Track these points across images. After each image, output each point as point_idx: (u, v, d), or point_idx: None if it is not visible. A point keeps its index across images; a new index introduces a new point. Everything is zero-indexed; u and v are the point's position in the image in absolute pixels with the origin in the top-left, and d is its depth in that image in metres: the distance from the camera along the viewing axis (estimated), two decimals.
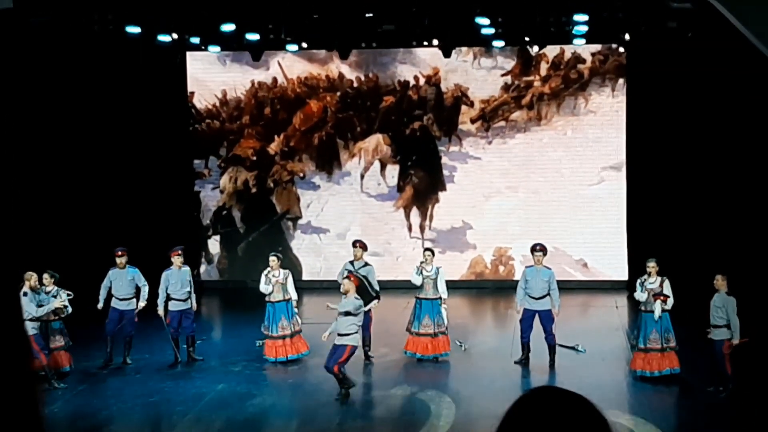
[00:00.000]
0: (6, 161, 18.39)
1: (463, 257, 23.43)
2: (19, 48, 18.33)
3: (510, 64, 23.21)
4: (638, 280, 16.40)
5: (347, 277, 16.15)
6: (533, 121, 23.20)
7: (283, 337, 17.63)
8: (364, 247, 17.96)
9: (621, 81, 22.97)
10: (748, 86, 19.87)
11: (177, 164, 23.53)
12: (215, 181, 23.96)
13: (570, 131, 23.16)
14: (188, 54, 23.55)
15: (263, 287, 17.64)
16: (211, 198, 24.03)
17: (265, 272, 17.74)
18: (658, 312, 15.90)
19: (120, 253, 17.57)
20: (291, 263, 23.21)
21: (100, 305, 17.43)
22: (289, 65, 23.54)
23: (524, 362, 17.12)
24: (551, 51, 22.78)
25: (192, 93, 23.81)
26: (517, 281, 22.90)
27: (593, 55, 22.96)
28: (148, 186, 22.82)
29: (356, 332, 15.80)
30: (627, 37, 19.53)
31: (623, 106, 23.01)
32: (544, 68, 23.14)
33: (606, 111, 23.03)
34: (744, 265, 18.36)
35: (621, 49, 22.70)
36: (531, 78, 23.19)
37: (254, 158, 23.79)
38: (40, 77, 19.80)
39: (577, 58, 23.07)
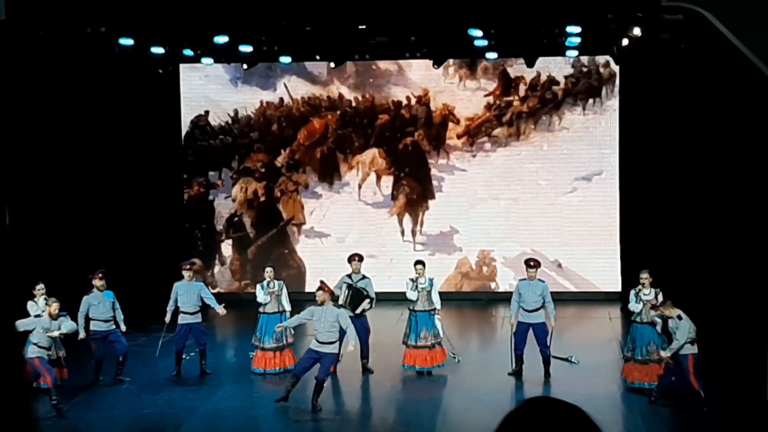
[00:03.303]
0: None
1: (451, 259, 20.73)
2: (12, 60, 14.43)
3: (492, 85, 20.63)
4: (632, 291, 12.65)
5: (320, 288, 12.81)
6: (513, 136, 20.62)
7: (275, 350, 13.82)
8: (361, 260, 14.24)
9: (591, 101, 20.34)
10: (741, 97, 16.18)
11: (169, 175, 20.59)
12: (228, 191, 21.16)
13: (546, 146, 20.54)
14: (204, 75, 20.62)
15: (262, 297, 13.94)
16: (224, 206, 21.21)
17: (264, 283, 14.02)
18: (659, 325, 12.14)
19: (100, 276, 13.78)
20: (295, 265, 20.86)
21: (82, 335, 13.59)
22: (294, 86, 20.88)
23: (518, 374, 13.38)
24: (529, 74, 20.27)
25: (207, 112, 21.02)
26: (500, 282, 20.15)
27: (566, 77, 20.40)
28: (141, 198, 19.82)
29: (338, 340, 12.75)
30: (624, 41, 15.66)
31: (593, 122, 20.26)
32: (522, 89, 20.59)
33: (578, 128, 20.45)
34: (737, 274, 14.53)
35: (610, 62, 19.79)
36: (511, 98, 20.60)
37: (263, 170, 21.09)
38: (34, 90, 15.93)
39: (552, 81, 20.49)
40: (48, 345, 12.55)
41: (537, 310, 13.76)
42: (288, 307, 14.36)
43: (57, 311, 12.65)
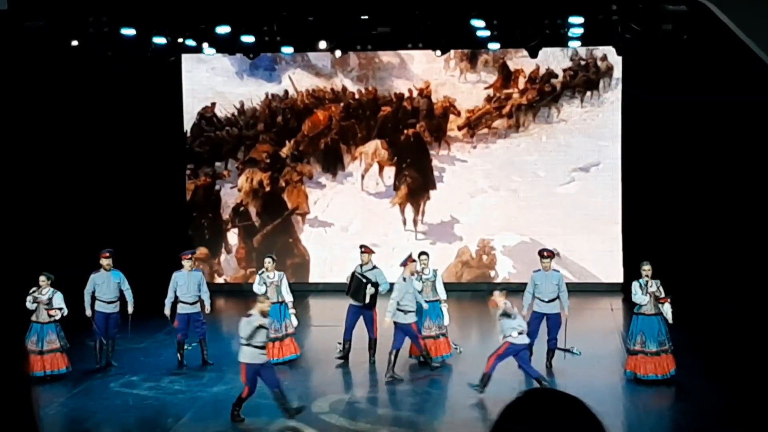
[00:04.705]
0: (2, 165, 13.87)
1: (451, 248, 19.98)
2: (14, 50, 13.68)
3: (492, 78, 19.86)
4: (636, 283, 11.90)
5: (409, 261, 13.27)
6: (512, 128, 19.86)
7: (274, 340, 13.12)
8: (370, 251, 13.63)
9: (589, 93, 19.59)
10: (744, 88, 15.41)
11: (173, 165, 19.78)
12: (234, 181, 20.41)
13: (544, 137, 19.80)
14: (211, 68, 19.91)
15: (257, 288, 13.29)
16: (230, 196, 20.44)
17: (260, 273, 13.34)
18: (670, 315, 11.47)
19: (107, 254, 13.07)
20: (300, 253, 20.14)
21: (88, 312, 12.91)
22: (298, 79, 20.14)
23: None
24: (528, 67, 19.51)
25: (214, 104, 20.24)
26: (499, 271, 19.52)
27: (564, 70, 19.64)
28: (145, 188, 18.97)
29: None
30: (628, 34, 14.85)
31: (591, 115, 19.51)
32: (521, 82, 19.82)
33: (575, 120, 19.71)
34: (738, 265, 13.81)
35: (608, 55, 19.04)
36: (510, 91, 19.84)
37: (268, 161, 20.32)
38: (35, 80, 15.18)
39: (551, 74, 19.73)
40: (263, 344, 11.14)
41: (553, 300, 13.01)
42: (289, 298, 13.64)
43: (269, 307, 11.47)
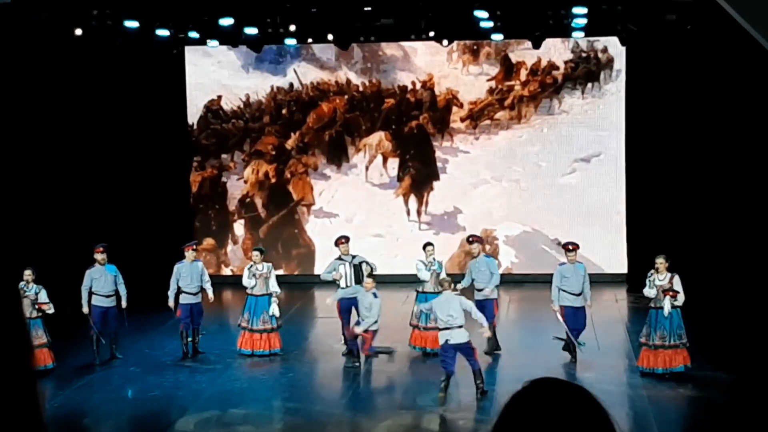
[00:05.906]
0: (3, 158, 13.48)
1: (455, 238, 19.59)
2: (17, 43, 13.29)
3: (494, 70, 19.50)
4: (647, 276, 11.48)
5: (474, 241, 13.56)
6: (514, 120, 19.50)
7: (261, 332, 12.76)
8: (348, 240, 13.33)
9: (590, 85, 19.21)
10: (748, 79, 14.91)
11: (175, 157, 19.32)
12: (240, 173, 20.08)
13: (546, 129, 19.43)
14: (217, 61, 19.48)
15: (246, 281, 12.95)
16: (236, 187, 20.13)
17: (248, 266, 13.01)
18: (667, 308, 11.20)
19: (101, 249, 12.73)
20: (305, 244, 19.83)
21: (85, 309, 12.54)
22: (303, 72, 19.77)
23: (573, 360, 12.21)
24: (530, 59, 19.12)
25: (220, 96, 19.92)
26: (502, 261, 19.13)
27: (566, 62, 19.25)
28: (146, 181, 18.52)
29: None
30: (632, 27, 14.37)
31: (592, 106, 19.15)
32: (523, 74, 19.42)
33: (576, 111, 19.33)
34: (739, 257, 13.40)
35: (608, 47, 18.59)
36: (512, 83, 19.47)
37: (273, 153, 19.97)
38: (39, 73, 14.79)
39: (552, 66, 19.34)
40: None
41: (580, 293, 12.51)
42: (276, 290, 13.24)
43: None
